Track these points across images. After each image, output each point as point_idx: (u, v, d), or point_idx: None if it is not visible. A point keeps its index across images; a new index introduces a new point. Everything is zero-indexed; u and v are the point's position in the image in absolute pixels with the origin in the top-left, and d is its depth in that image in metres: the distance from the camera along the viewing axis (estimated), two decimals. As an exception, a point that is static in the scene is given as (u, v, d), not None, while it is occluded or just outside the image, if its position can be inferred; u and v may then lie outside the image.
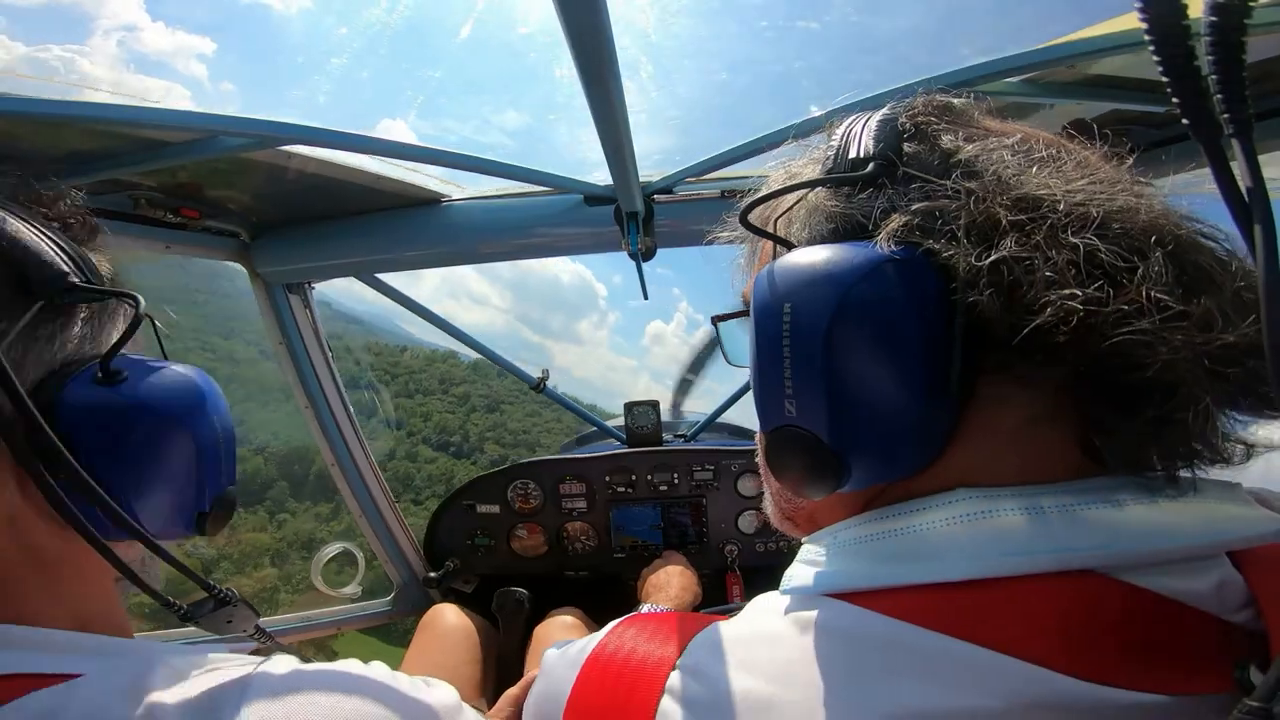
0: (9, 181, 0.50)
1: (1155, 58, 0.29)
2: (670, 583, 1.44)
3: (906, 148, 0.44)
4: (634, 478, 1.92)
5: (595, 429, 2.23)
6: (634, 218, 1.34)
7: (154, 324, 0.58)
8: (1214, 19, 0.27)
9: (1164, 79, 0.29)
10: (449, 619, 1.72)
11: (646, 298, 1.66)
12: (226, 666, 0.45)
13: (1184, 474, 0.38)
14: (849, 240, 0.43)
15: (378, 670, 0.50)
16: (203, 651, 0.47)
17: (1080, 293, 0.35)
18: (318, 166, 1.29)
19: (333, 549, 1.93)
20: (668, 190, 1.37)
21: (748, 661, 0.39)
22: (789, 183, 0.48)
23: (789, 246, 0.47)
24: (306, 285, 1.68)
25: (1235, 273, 0.37)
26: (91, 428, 0.46)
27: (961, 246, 0.38)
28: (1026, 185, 0.39)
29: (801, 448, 0.41)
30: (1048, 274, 0.36)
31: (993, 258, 0.37)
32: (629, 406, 2.00)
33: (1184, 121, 0.30)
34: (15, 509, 0.45)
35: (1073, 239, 0.36)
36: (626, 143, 0.99)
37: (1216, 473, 0.39)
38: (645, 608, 1.15)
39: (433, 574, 1.93)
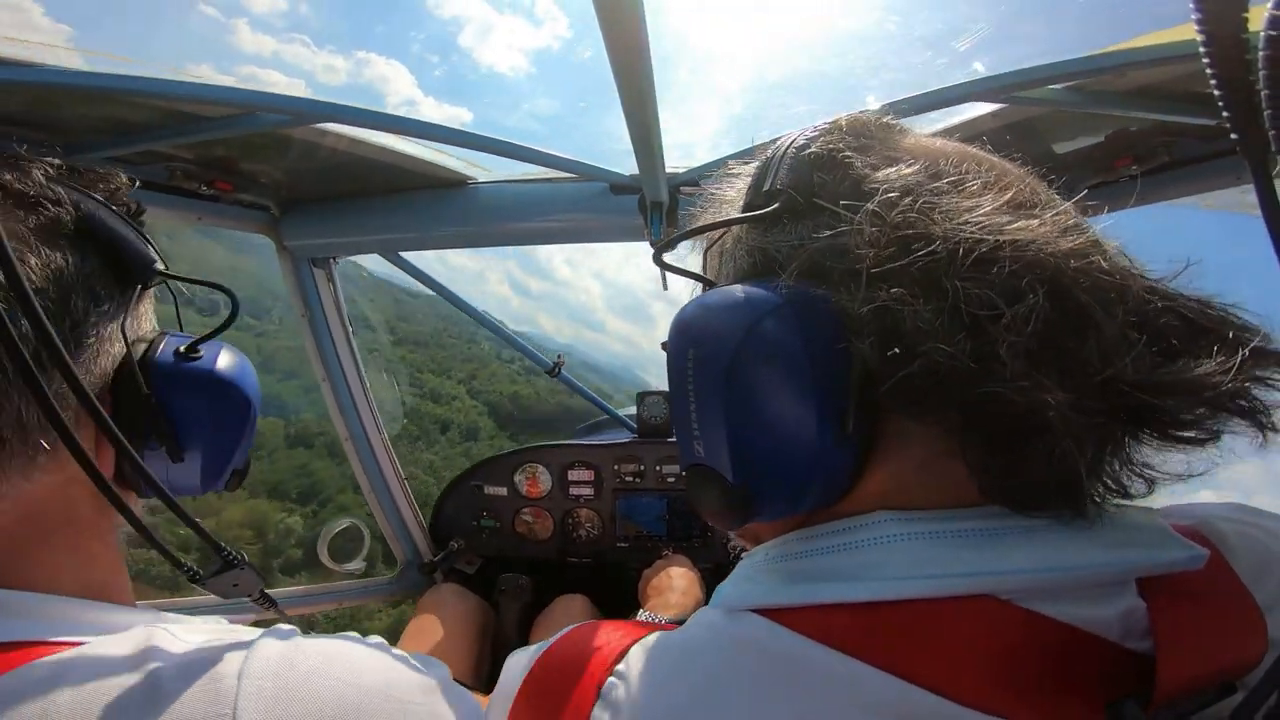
0: (53, 162, 0.52)
1: (1209, 69, 0.28)
2: (672, 587, 1.42)
3: (818, 177, 0.44)
4: (642, 468, 1.92)
5: (607, 417, 2.24)
6: (658, 208, 1.34)
7: (234, 305, 0.67)
8: (1273, 33, 0.26)
9: (1215, 91, 0.28)
10: (449, 599, 1.74)
11: (666, 288, 1.65)
12: (228, 635, 0.46)
13: (1104, 503, 0.39)
14: (764, 276, 0.44)
15: (375, 644, 0.51)
16: (205, 622, 0.49)
17: (943, 347, 0.35)
18: (349, 145, 1.30)
19: (340, 524, 1.95)
20: (693, 183, 1.36)
21: (674, 672, 0.39)
22: (715, 217, 0.50)
23: (708, 284, 0.49)
24: (331, 260, 1.70)
25: (1130, 300, 0.37)
26: (178, 393, 0.55)
27: (848, 291, 0.39)
28: (917, 222, 0.39)
29: (711, 485, 0.42)
30: (918, 324, 0.36)
31: (872, 305, 0.38)
32: (641, 396, 2.00)
33: (1233, 136, 0.29)
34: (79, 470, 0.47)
35: (947, 283, 0.36)
36: (655, 132, 0.98)
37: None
38: (643, 614, 1.14)
39: (435, 558, 1.95)
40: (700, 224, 0.51)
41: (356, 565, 1.95)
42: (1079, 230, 0.39)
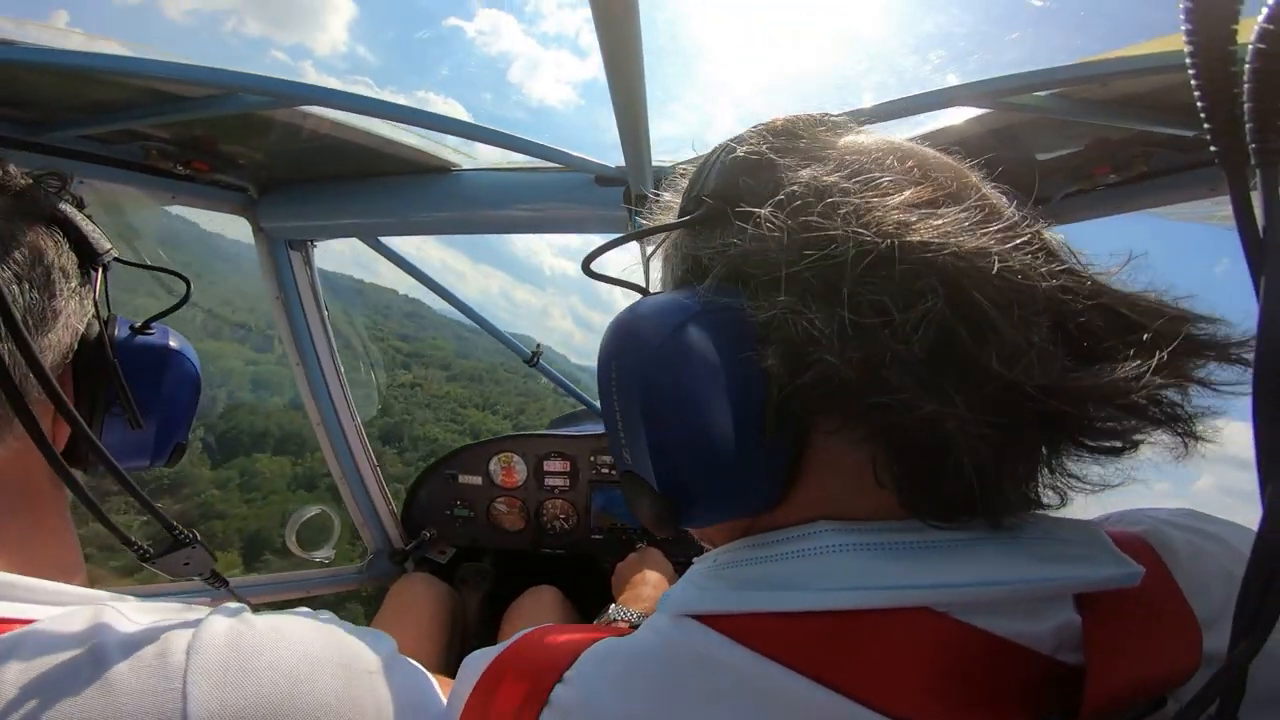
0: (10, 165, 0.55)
1: (1194, 79, 0.28)
2: (645, 581, 1.40)
3: (743, 181, 0.44)
4: None
5: (584, 408, 2.23)
6: (643, 201, 1.33)
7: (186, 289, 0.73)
8: (1261, 46, 0.26)
9: (1198, 102, 0.28)
10: (418, 588, 1.73)
11: (648, 281, 1.65)
12: (177, 614, 0.46)
13: (1031, 513, 0.38)
14: (695, 282, 0.44)
15: (324, 619, 0.51)
16: (158, 603, 0.48)
17: (828, 357, 0.35)
18: (331, 127, 1.28)
19: (310, 511, 1.92)
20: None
21: (620, 680, 0.39)
22: (658, 220, 0.50)
23: (641, 292, 0.50)
24: (309, 243, 1.67)
25: (1038, 300, 0.35)
26: (134, 366, 0.58)
27: (757, 297, 0.39)
28: (819, 225, 0.38)
29: (640, 492, 0.42)
30: (811, 332, 0.35)
31: (772, 313, 0.37)
32: None
33: (1212, 148, 0.29)
34: (23, 449, 0.48)
35: (843, 288, 0.36)
36: (643, 124, 0.98)
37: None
38: (612, 609, 1.14)
39: (406, 547, 1.93)
40: (628, 234, 0.52)
41: (325, 553, 1.92)
42: (994, 227, 0.37)
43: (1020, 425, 0.34)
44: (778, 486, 0.41)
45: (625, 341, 0.42)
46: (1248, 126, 0.27)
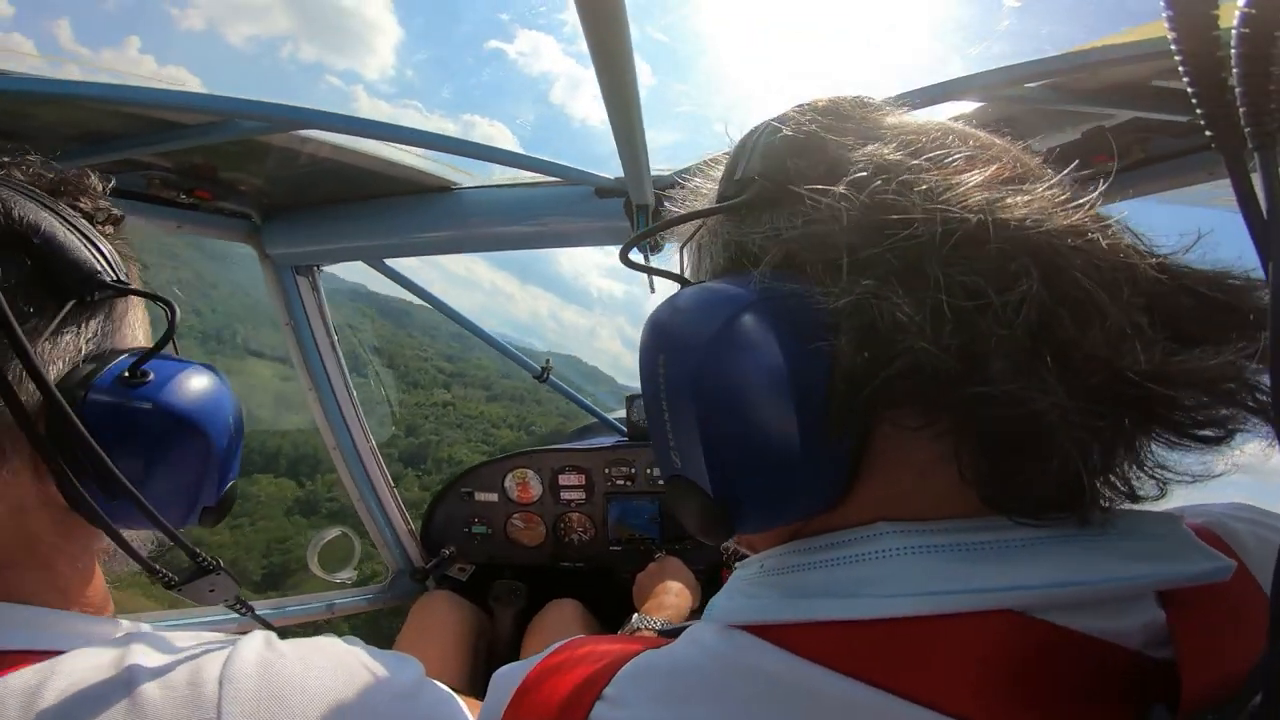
0: (31, 163, 0.51)
1: (1181, 66, 0.28)
2: (667, 590, 1.39)
3: (792, 162, 0.41)
4: (633, 470, 1.92)
5: (597, 420, 2.24)
6: (644, 210, 1.34)
7: (170, 318, 0.56)
8: (1245, 30, 0.26)
9: (1188, 88, 0.29)
10: (441, 607, 1.73)
11: (654, 291, 1.66)
12: (206, 642, 0.46)
13: (1114, 507, 0.36)
14: (741, 271, 0.41)
15: (352, 646, 0.51)
16: (185, 631, 0.48)
17: (924, 345, 0.32)
18: (330, 151, 1.29)
19: (331, 533, 1.93)
20: (680, 184, 1.36)
21: (664, 694, 0.37)
22: (686, 208, 0.47)
23: (683, 282, 0.46)
24: (315, 268, 1.68)
25: (1139, 281, 0.34)
26: (117, 425, 0.47)
27: (825, 283, 0.36)
28: (894, 203, 0.36)
29: (690, 498, 0.39)
30: (897, 318, 0.33)
31: (849, 298, 0.35)
32: (630, 399, 2.00)
33: (1207, 133, 0.29)
34: (26, 498, 0.46)
35: (929, 270, 0.33)
36: (639, 134, 0.98)
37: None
38: (636, 619, 1.13)
39: (426, 564, 1.93)
40: (674, 218, 0.48)
41: (348, 574, 1.93)
42: (1076, 205, 0.35)
43: (1121, 414, 0.32)
44: (839, 488, 0.38)
45: (673, 335, 0.39)
46: (1241, 110, 0.27)
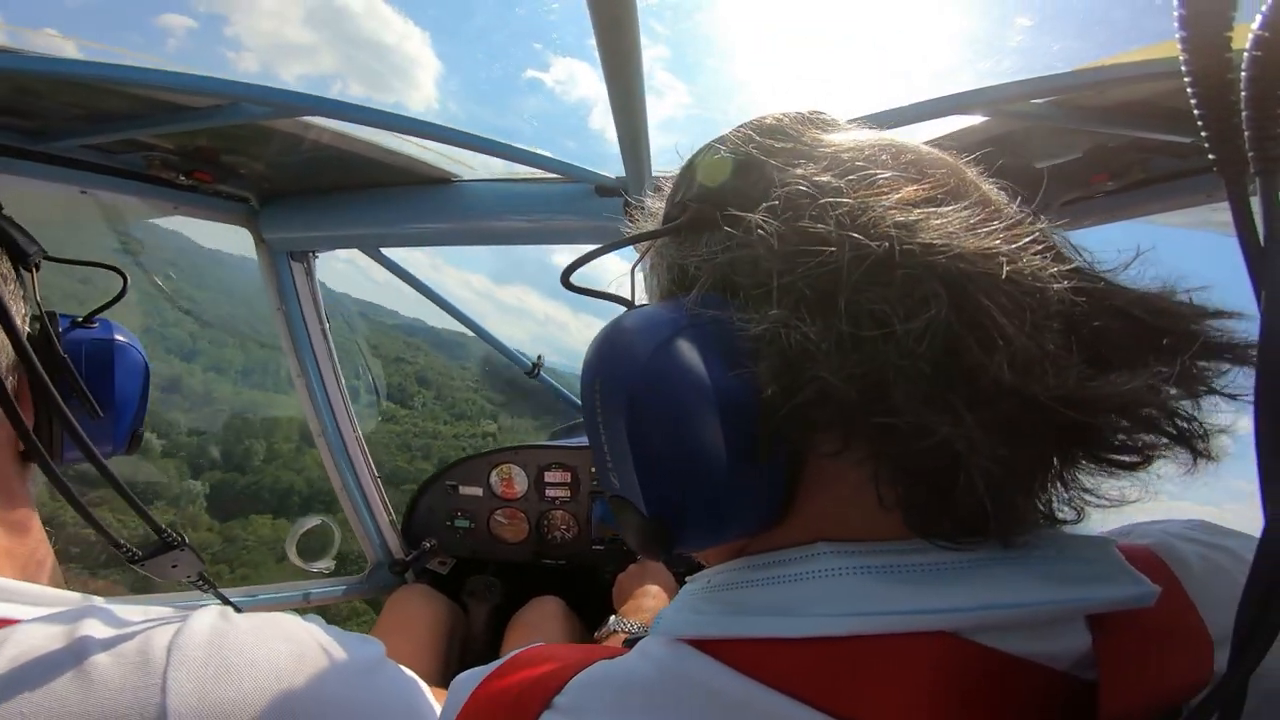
0: None
1: (1190, 87, 0.28)
2: (646, 592, 1.39)
3: (729, 185, 0.42)
4: None
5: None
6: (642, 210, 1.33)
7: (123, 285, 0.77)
8: (1257, 53, 0.26)
9: (1195, 109, 0.28)
10: (416, 600, 1.72)
11: (633, 295, 1.65)
12: (161, 614, 0.46)
13: (1049, 528, 0.36)
14: (682, 294, 0.42)
15: (310, 620, 0.51)
16: (142, 606, 0.48)
17: (823, 375, 0.33)
18: (332, 138, 1.28)
19: (311, 522, 1.91)
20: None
21: (613, 705, 0.37)
22: (641, 228, 0.48)
23: (626, 305, 0.47)
24: (310, 255, 1.67)
25: (1050, 304, 0.33)
26: (87, 360, 0.62)
27: (746, 309, 0.37)
28: (812, 228, 0.36)
29: (629, 517, 0.40)
30: (805, 346, 0.34)
31: (764, 326, 0.35)
32: None
33: (1210, 156, 0.29)
34: None
35: (841, 297, 0.33)
36: (643, 134, 0.98)
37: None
38: (612, 621, 1.13)
39: (406, 557, 1.92)
40: (609, 243, 0.49)
41: (325, 564, 1.92)
42: (989, 228, 0.35)
43: (1034, 440, 0.33)
44: (774, 509, 0.39)
45: (608, 358, 0.40)
46: (1246, 134, 0.27)
